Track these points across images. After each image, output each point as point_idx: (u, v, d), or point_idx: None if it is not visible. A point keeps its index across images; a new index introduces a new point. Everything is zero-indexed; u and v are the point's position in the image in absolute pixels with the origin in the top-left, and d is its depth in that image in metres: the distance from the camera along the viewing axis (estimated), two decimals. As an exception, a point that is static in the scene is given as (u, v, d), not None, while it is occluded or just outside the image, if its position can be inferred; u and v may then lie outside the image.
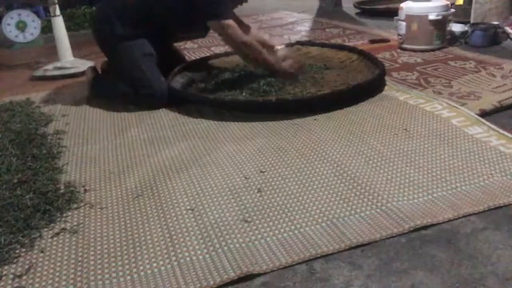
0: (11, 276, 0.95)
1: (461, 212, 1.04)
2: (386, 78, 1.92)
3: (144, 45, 1.94)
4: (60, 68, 2.58)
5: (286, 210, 1.10)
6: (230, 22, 1.84)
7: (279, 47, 2.25)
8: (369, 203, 1.10)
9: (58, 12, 2.57)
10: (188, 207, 1.14)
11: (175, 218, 1.10)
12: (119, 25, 1.90)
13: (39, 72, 2.61)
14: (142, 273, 0.93)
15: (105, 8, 2.00)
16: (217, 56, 2.36)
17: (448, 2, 2.45)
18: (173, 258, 0.96)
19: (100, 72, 2.19)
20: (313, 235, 1.00)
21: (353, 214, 1.06)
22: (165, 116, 1.80)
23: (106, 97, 2.03)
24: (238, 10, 2.04)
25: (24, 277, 0.95)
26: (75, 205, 1.20)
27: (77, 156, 1.51)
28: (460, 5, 3.01)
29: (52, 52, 2.82)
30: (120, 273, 0.93)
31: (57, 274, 0.95)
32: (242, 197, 1.17)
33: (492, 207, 1.05)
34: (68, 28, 2.73)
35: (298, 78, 1.92)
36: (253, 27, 2.22)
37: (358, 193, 1.14)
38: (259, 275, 0.91)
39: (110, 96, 2.02)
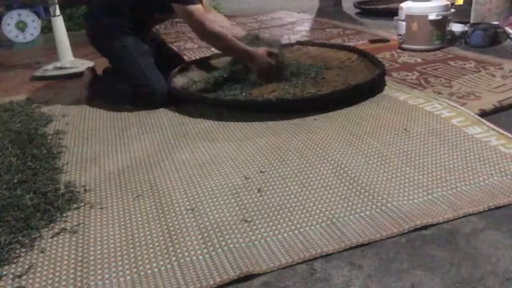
0: (11, 276, 0.95)
1: (461, 212, 1.04)
2: (386, 78, 1.92)
3: (139, 44, 1.94)
4: (60, 68, 2.58)
5: (286, 210, 1.10)
6: (196, 7, 1.77)
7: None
8: (369, 203, 1.10)
9: (58, 12, 2.57)
10: (188, 207, 1.14)
11: (175, 218, 1.10)
12: (106, 19, 1.91)
13: (39, 72, 2.61)
14: (142, 273, 0.93)
15: (92, 6, 2.03)
16: (217, 56, 2.36)
17: (448, 2, 2.44)
18: (173, 258, 0.96)
19: (98, 73, 2.18)
20: (313, 235, 1.00)
21: (353, 214, 1.06)
22: (165, 116, 1.80)
23: (105, 98, 2.03)
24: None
25: (24, 277, 0.95)
26: (75, 205, 1.20)
27: (77, 156, 1.51)
28: (460, 5, 3.02)
29: (52, 52, 2.82)
30: (120, 273, 0.93)
31: (57, 274, 0.95)
32: (242, 197, 1.17)
33: (492, 207, 1.05)
34: (68, 28, 2.73)
35: (285, 73, 1.92)
36: (226, 20, 2.16)
37: (358, 193, 1.14)
38: (259, 275, 0.91)
39: (109, 97, 2.02)
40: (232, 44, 1.84)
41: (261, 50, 1.85)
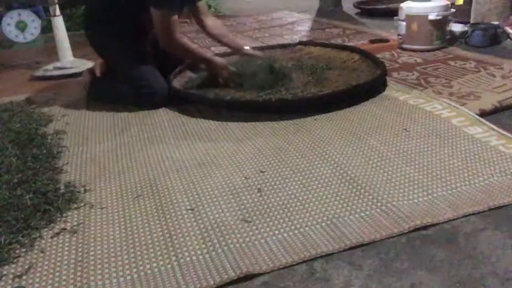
0: (11, 276, 0.95)
1: (461, 212, 1.04)
2: (386, 78, 1.92)
3: (138, 45, 1.94)
4: (60, 68, 2.58)
5: (286, 210, 1.10)
6: (172, 17, 1.79)
7: (247, 48, 2.24)
8: (369, 203, 1.10)
9: (58, 12, 2.57)
10: (188, 207, 1.14)
11: (175, 218, 1.10)
12: (105, 23, 1.92)
13: (39, 72, 2.61)
14: (142, 273, 0.93)
15: (89, 9, 2.03)
16: (217, 56, 2.36)
17: (448, 2, 2.45)
18: (173, 258, 0.96)
19: (97, 75, 2.17)
20: (313, 235, 1.00)
21: (353, 214, 1.06)
22: (165, 116, 1.80)
23: (105, 99, 2.02)
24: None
25: (24, 277, 0.95)
26: (75, 205, 1.20)
27: (77, 156, 1.51)
28: (460, 5, 3.02)
29: (52, 52, 2.82)
30: (120, 273, 0.93)
31: (57, 274, 0.95)
32: (242, 197, 1.17)
33: (492, 207, 1.05)
34: (68, 28, 2.73)
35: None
36: (224, 27, 2.28)
37: (358, 193, 1.14)
38: (259, 275, 0.91)
39: (109, 98, 2.02)
40: (198, 53, 1.93)
41: (221, 60, 1.95)
